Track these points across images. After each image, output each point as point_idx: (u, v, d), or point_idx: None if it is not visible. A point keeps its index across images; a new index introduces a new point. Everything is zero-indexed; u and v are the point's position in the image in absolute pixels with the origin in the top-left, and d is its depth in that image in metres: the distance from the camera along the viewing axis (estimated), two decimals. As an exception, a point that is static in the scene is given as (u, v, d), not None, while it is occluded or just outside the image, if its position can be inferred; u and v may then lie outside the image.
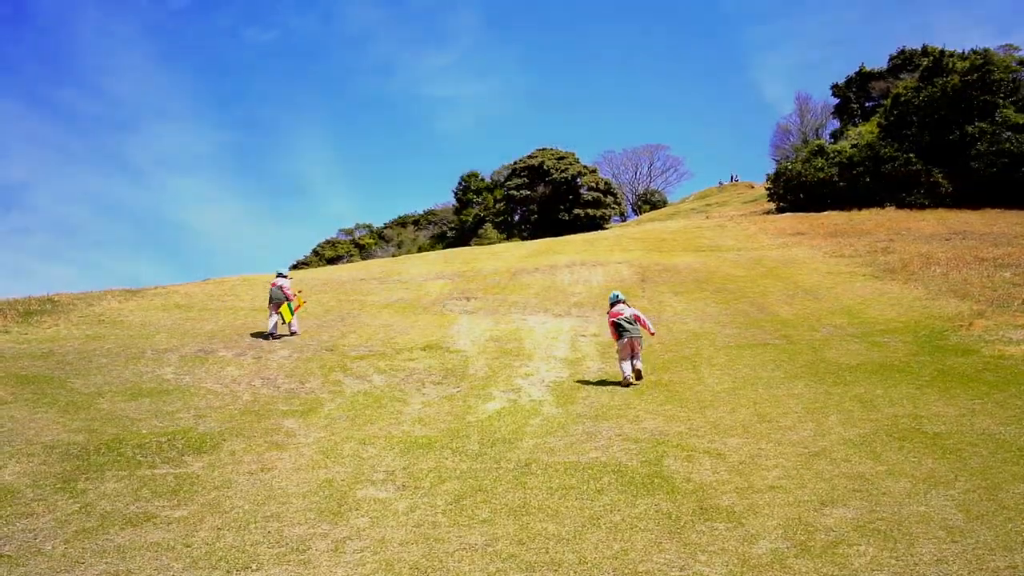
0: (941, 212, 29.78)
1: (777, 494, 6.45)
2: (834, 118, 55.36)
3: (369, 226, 72.03)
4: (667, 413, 9.32)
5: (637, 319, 11.17)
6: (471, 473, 7.34)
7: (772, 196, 39.15)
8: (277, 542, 5.78)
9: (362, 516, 6.30)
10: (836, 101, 53.86)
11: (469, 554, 5.48)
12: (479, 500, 6.60)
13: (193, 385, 10.99)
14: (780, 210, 37.14)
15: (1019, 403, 8.70)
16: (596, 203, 55.65)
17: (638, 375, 10.90)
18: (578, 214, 54.60)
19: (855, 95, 51.13)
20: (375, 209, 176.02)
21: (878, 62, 67.11)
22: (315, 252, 67.32)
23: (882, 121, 36.21)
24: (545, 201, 56.03)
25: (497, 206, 60.54)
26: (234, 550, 5.63)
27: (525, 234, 55.31)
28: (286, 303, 14.49)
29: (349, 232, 71.35)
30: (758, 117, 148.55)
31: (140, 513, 6.34)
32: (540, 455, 7.85)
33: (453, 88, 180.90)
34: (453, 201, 67.18)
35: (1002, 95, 32.31)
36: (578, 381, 11.30)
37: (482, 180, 64.85)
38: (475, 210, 62.92)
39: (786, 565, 5.12)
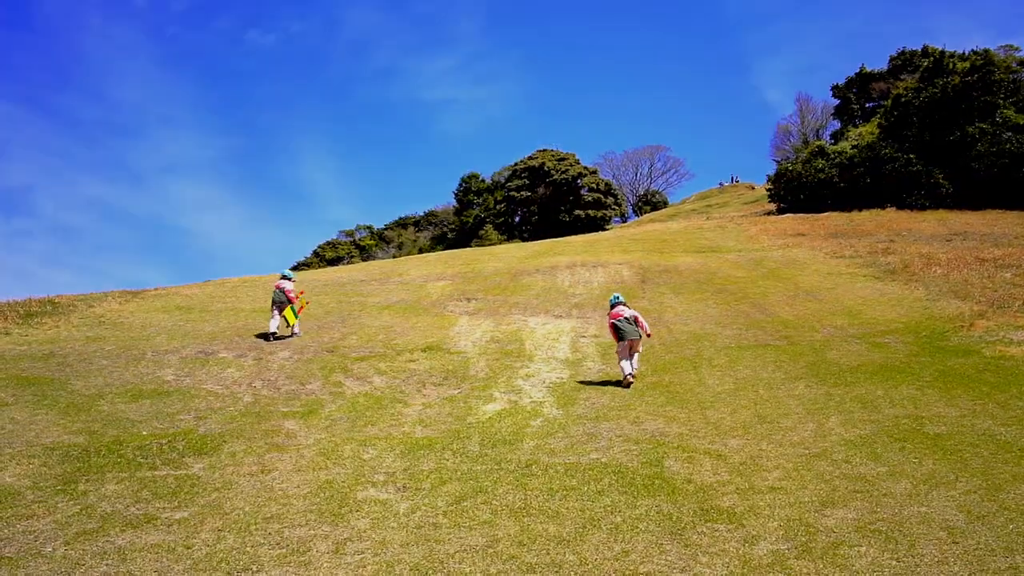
0: (942, 213, 29.77)
1: (778, 495, 6.45)
2: (834, 119, 55.42)
3: (370, 227, 72.06)
4: (668, 414, 9.32)
5: (636, 320, 11.23)
6: (472, 474, 7.34)
7: (773, 197, 39.16)
8: (278, 543, 5.78)
9: (363, 517, 6.30)
10: (836, 102, 53.92)
11: (470, 555, 5.48)
12: (480, 501, 6.60)
13: (194, 387, 10.99)
14: (781, 211, 37.15)
15: (1020, 404, 8.69)
16: (597, 204, 55.69)
17: (632, 376, 10.94)
18: (579, 215, 54.64)
19: (855, 96, 51.17)
20: (376, 211, 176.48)
21: (879, 63, 67.23)
22: (315, 253, 67.34)
23: (882, 122, 36.23)
24: (546, 202, 56.08)
25: (498, 207, 60.57)
26: (235, 552, 5.63)
27: (526, 235, 55.35)
28: (289, 306, 14.52)
29: (350, 233, 71.35)
30: (759, 118, 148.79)
31: (141, 515, 6.33)
32: (541, 456, 7.84)
33: (454, 90, 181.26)
34: (454, 202, 67.21)
35: (1002, 95, 32.33)
36: (579, 382, 11.29)
37: (483, 181, 64.87)
38: (476, 211, 62.95)
39: (787, 566, 5.11)
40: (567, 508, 6.36)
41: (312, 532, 6.00)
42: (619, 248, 27.86)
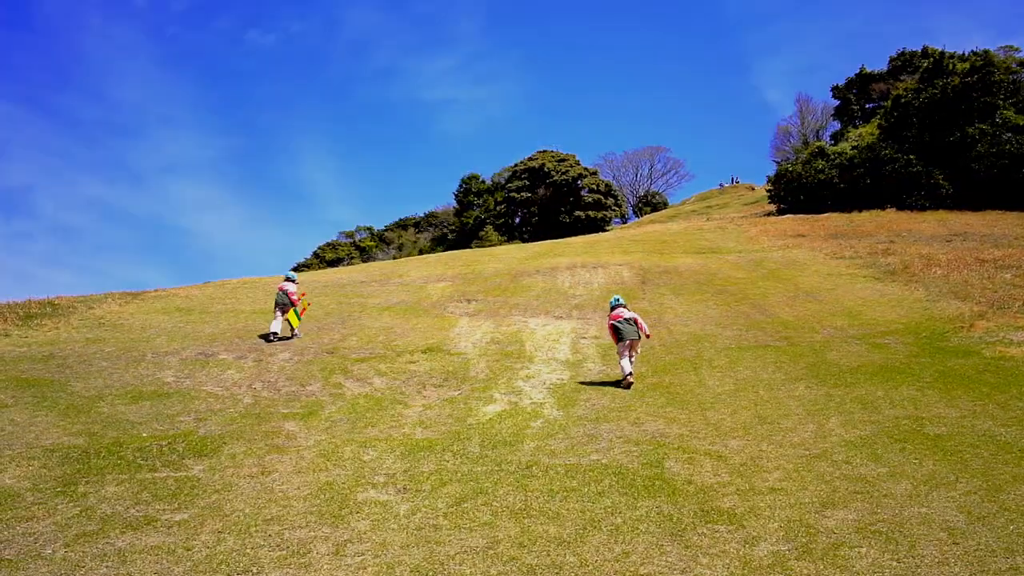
0: (941, 213, 29.77)
1: (778, 496, 6.44)
2: (834, 120, 55.44)
3: (370, 228, 72.03)
4: (668, 415, 9.31)
5: (635, 322, 11.28)
6: (472, 476, 7.33)
7: (773, 198, 39.16)
8: (278, 545, 5.78)
9: (363, 519, 6.30)
10: (836, 103, 53.94)
11: (470, 557, 5.47)
12: (480, 503, 6.60)
13: (194, 388, 10.99)
14: (781, 212, 37.15)
15: (1020, 404, 8.69)
16: (597, 205, 55.70)
17: (630, 376, 10.97)
18: (579, 216, 54.64)
19: (855, 97, 51.19)
20: (376, 211, 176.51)
21: (879, 64, 67.25)
22: (316, 255, 67.30)
23: (882, 123, 36.24)
24: (546, 203, 56.09)
25: (498, 208, 60.57)
26: (235, 553, 5.63)
27: (526, 236, 55.35)
28: (292, 309, 14.59)
29: (350, 235, 71.32)
30: (759, 119, 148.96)
31: (140, 517, 6.33)
32: (541, 457, 7.84)
33: (454, 91, 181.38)
34: (454, 203, 67.20)
35: (1002, 96, 32.34)
36: (579, 383, 11.29)
37: (483, 182, 64.88)
38: (476, 212, 62.95)
39: (787, 567, 5.11)
40: (567, 509, 6.36)
41: (312, 534, 6.00)
42: (619, 249, 27.86)
